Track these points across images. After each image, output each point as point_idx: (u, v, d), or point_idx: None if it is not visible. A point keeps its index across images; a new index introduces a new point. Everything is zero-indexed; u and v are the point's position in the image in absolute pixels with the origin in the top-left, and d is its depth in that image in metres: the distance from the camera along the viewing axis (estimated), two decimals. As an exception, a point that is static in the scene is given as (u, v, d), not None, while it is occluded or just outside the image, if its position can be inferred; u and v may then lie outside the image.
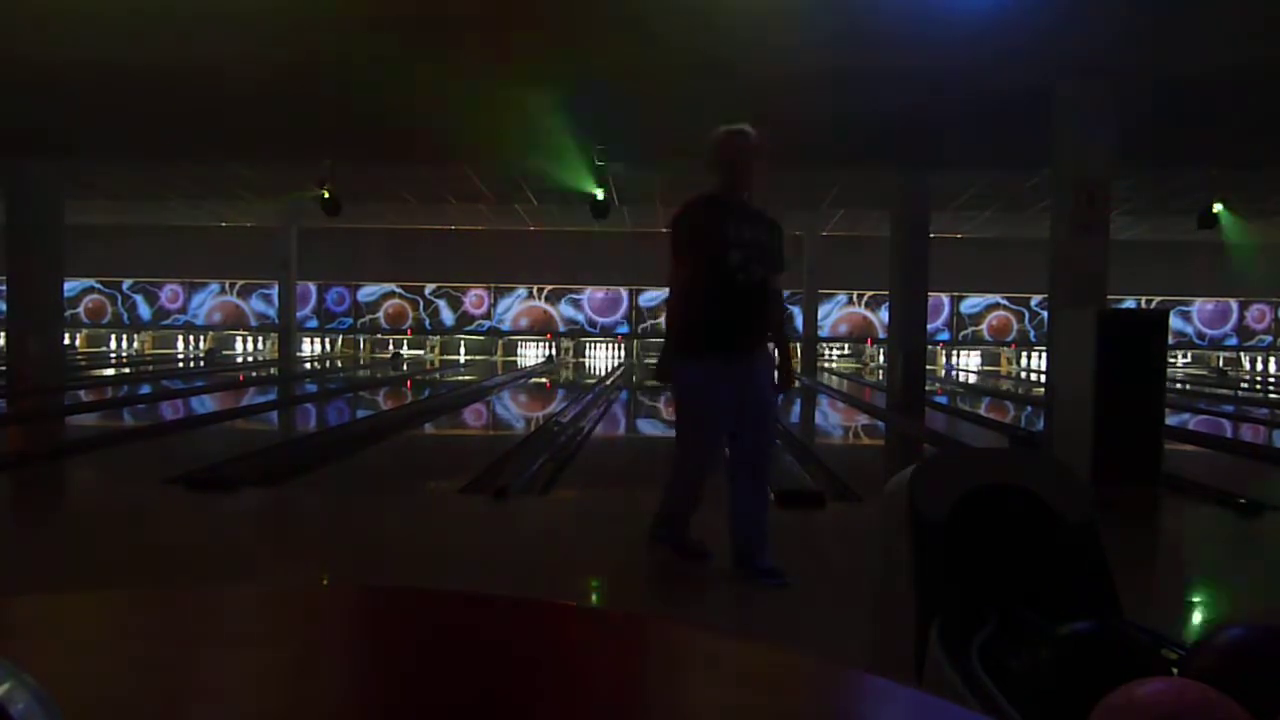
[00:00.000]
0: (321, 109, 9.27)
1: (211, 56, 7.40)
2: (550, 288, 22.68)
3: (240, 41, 7.05)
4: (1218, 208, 12.78)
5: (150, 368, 18.37)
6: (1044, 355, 14.76)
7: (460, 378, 17.16)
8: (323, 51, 7.39)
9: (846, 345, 22.91)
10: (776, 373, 4.02)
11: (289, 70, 7.83)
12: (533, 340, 22.92)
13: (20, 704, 0.52)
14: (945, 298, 22.13)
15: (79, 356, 20.44)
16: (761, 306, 3.90)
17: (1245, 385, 19.25)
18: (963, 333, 22.94)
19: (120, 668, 0.82)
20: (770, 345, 4.03)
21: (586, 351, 23.08)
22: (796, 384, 3.91)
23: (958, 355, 23.47)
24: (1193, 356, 23.30)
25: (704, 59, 7.19)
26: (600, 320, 22.87)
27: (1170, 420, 8.35)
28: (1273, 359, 23.17)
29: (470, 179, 14.32)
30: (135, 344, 23.68)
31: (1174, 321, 20.76)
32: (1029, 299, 22.24)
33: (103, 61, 7.53)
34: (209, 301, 23.07)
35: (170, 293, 23.06)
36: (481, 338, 23.03)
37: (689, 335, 3.87)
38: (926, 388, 12.93)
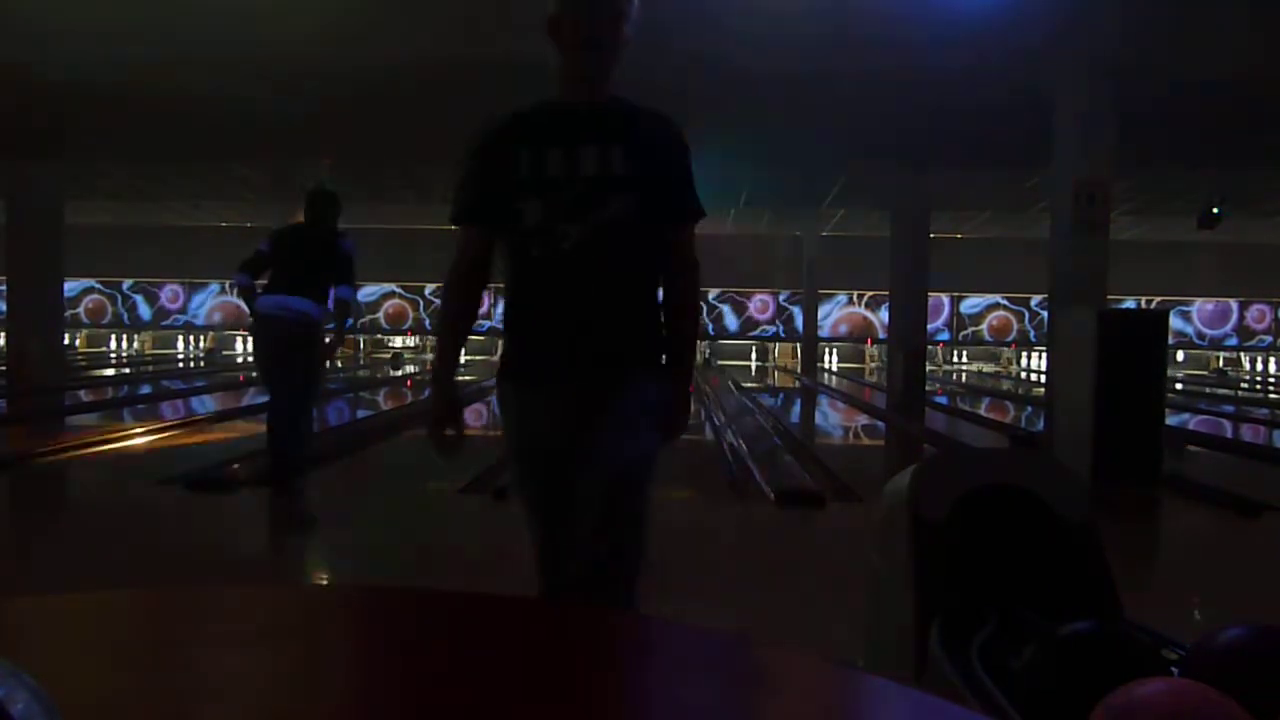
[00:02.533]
0: (323, 109, 9.27)
1: (212, 55, 7.40)
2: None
3: (241, 42, 7.05)
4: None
5: (150, 368, 18.37)
6: (1044, 355, 14.77)
7: (460, 378, 17.14)
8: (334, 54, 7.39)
9: (835, 354, 22.91)
10: (663, 406, 2.15)
11: (295, 71, 7.84)
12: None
13: (20, 704, 0.52)
14: (945, 298, 22.12)
15: (79, 356, 20.44)
16: (607, 292, 2.07)
17: (1245, 385, 19.25)
18: (963, 333, 22.94)
19: (120, 668, 0.82)
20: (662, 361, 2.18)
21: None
22: (688, 420, 2.32)
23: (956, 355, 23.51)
24: (1187, 356, 23.27)
25: (704, 57, 7.19)
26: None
27: (1170, 420, 8.35)
28: (1273, 359, 23.16)
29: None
30: (135, 344, 23.68)
31: (1174, 321, 20.75)
32: (1029, 299, 22.24)
33: (103, 63, 7.53)
34: (209, 301, 23.07)
35: (170, 293, 23.05)
36: (482, 338, 23.03)
37: (507, 352, 2.18)
38: (927, 388, 12.94)
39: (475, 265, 2.14)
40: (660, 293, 2.17)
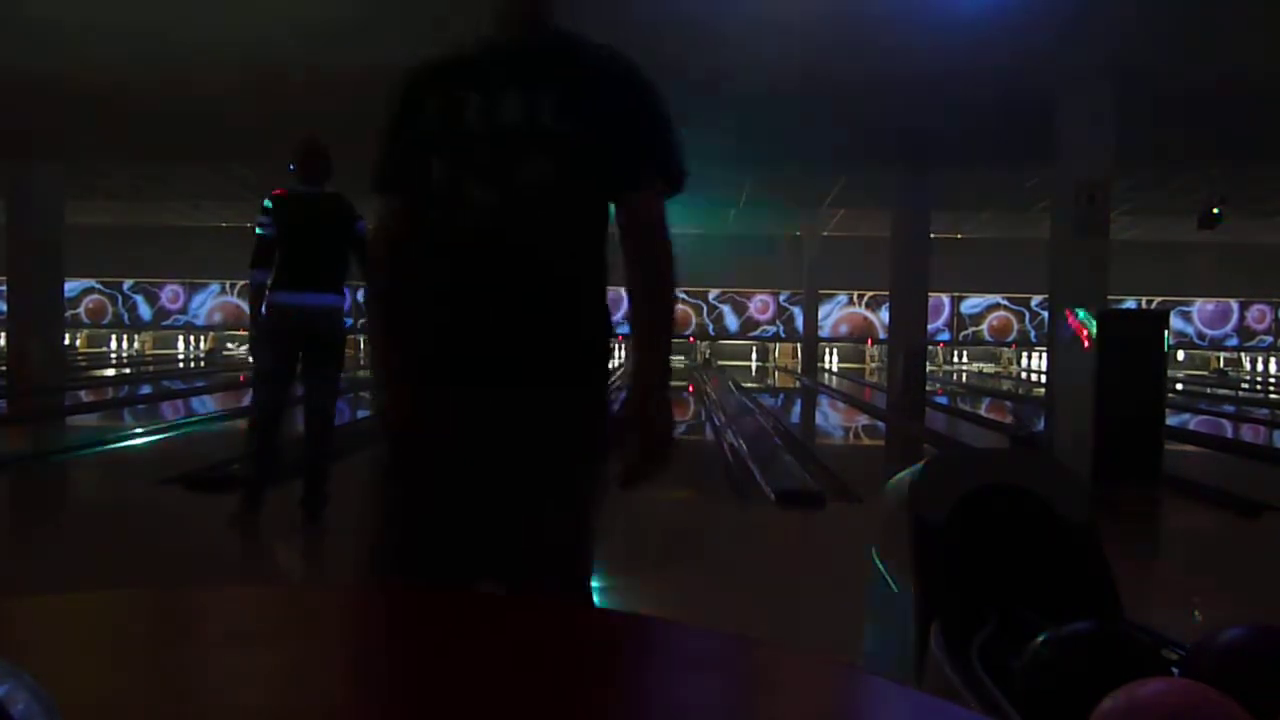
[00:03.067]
0: (323, 109, 9.26)
1: (213, 55, 7.40)
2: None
3: (241, 40, 7.05)
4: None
5: (151, 368, 18.36)
6: (1044, 355, 14.76)
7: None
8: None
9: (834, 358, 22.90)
10: (603, 438, 1.65)
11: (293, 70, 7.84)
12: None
13: (20, 704, 0.52)
14: (945, 298, 22.12)
15: (79, 357, 20.44)
16: (523, 277, 1.57)
17: (1246, 386, 19.25)
18: (963, 333, 22.94)
19: (120, 668, 0.82)
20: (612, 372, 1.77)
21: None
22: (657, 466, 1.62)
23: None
24: (1187, 356, 23.26)
25: (704, 57, 7.19)
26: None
27: (1171, 421, 8.35)
28: (1273, 359, 23.16)
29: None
30: (136, 344, 23.67)
31: (1174, 321, 20.75)
32: (1029, 299, 22.24)
33: (103, 64, 7.54)
34: (209, 302, 23.07)
35: (171, 293, 23.05)
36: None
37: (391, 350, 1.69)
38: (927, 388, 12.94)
39: (395, 248, 1.65)
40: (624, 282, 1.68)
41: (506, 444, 1.51)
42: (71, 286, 19.04)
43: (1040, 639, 1.38)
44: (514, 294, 1.55)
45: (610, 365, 1.67)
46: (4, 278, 12.77)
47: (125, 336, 23.68)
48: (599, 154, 1.57)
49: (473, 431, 1.52)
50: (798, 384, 17.76)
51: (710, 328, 22.52)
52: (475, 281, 1.56)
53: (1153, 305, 20.78)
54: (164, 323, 23.22)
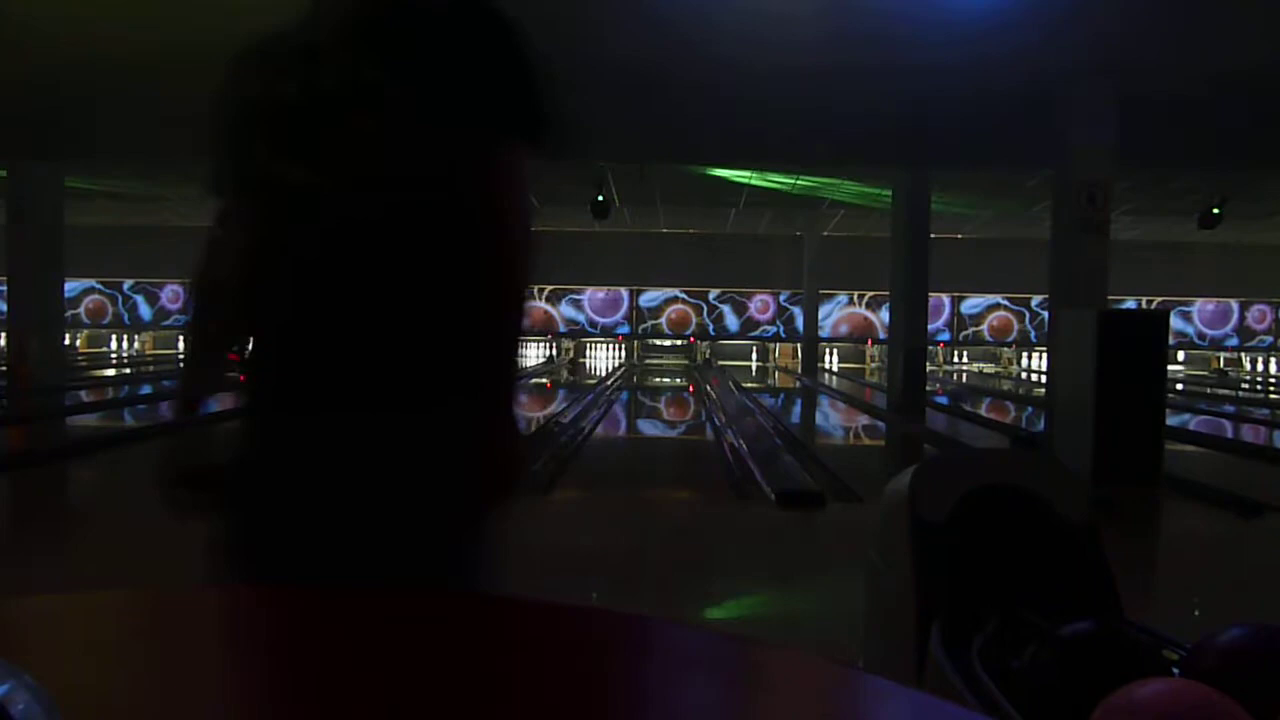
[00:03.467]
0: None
1: (213, 54, 7.39)
2: (550, 288, 22.69)
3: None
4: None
5: (151, 368, 18.37)
6: (1044, 355, 14.76)
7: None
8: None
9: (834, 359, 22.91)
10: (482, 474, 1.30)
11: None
12: (533, 341, 22.93)
13: (20, 704, 0.52)
14: (946, 298, 22.13)
15: (79, 356, 20.44)
16: (385, 269, 1.27)
17: (1246, 386, 19.25)
18: (963, 333, 22.94)
19: (120, 668, 0.82)
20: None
21: (587, 352, 23.10)
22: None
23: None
24: (1187, 356, 23.26)
25: (704, 57, 7.19)
26: (600, 320, 22.88)
27: (1171, 421, 8.36)
28: (1273, 359, 23.17)
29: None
30: (136, 344, 23.68)
31: (1174, 321, 20.77)
32: (1029, 299, 22.24)
33: (103, 58, 7.53)
34: (209, 302, 23.08)
35: (171, 293, 23.06)
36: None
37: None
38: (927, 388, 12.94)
39: (221, 254, 1.36)
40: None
41: (349, 486, 1.26)
42: (71, 286, 19.04)
43: (1040, 639, 1.38)
44: (344, 294, 1.25)
45: (489, 375, 1.31)
46: (4, 278, 12.76)
47: (125, 336, 23.68)
48: (441, 110, 1.25)
49: (314, 467, 1.29)
50: (798, 384, 17.77)
51: (710, 328, 22.54)
52: (302, 285, 1.27)
53: (1153, 305, 20.79)
54: (164, 323, 23.23)
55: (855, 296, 22.41)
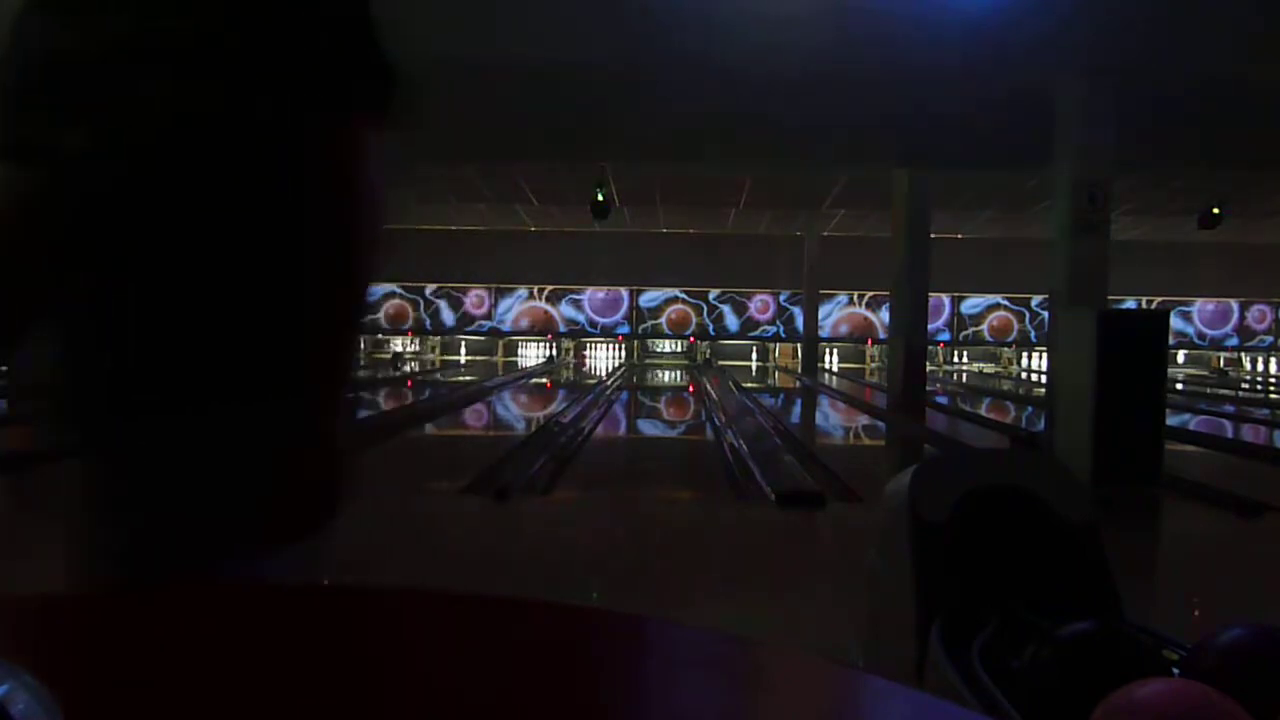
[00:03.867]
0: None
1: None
2: (550, 288, 22.69)
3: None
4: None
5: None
6: (1044, 355, 14.77)
7: (461, 378, 17.16)
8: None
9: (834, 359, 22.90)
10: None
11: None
12: (533, 341, 22.94)
13: (20, 704, 0.52)
14: (946, 298, 22.13)
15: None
16: (180, 247, 1.05)
17: (1246, 386, 19.26)
18: (963, 333, 22.94)
19: (120, 668, 0.82)
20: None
21: (587, 351, 23.11)
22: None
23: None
24: (1187, 356, 23.25)
25: (705, 57, 7.19)
26: (600, 320, 22.88)
27: (1171, 421, 8.36)
28: (1274, 359, 23.17)
29: (471, 179, 14.31)
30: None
31: (1174, 321, 20.76)
32: (1029, 299, 22.24)
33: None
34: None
35: None
36: (482, 338, 23.04)
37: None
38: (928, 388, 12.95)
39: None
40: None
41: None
42: (72, 286, 19.01)
43: (1040, 639, 1.38)
44: (136, 275, 1.06)
45: (314, 373, 1.16)
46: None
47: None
48: (254, 67, 1.04)
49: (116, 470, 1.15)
50: (798, 384, 17.78)
51: (710, 328, 22.54)
52: (74, 268, 1.09)
53: (1153, 305, 20.80)
54: None
55: (855, 296, 22.42)
